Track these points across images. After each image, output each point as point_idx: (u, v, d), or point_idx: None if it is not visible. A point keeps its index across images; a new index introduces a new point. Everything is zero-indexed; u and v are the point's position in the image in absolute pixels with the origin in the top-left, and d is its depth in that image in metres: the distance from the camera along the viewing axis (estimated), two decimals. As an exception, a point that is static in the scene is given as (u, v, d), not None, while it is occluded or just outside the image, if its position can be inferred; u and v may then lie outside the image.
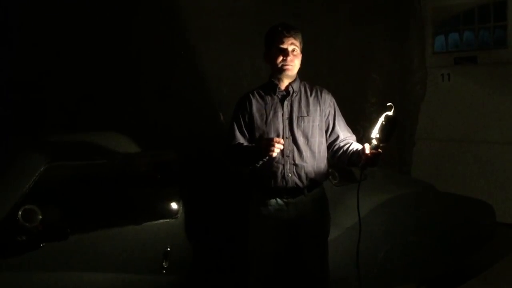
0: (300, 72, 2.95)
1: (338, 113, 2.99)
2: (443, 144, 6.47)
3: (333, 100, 2.99)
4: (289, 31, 2.85)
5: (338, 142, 2.95)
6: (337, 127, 2.96)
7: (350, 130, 3.01)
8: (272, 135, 2.82)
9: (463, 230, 4.10)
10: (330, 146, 2.97)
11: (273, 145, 2.61)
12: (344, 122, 3.01)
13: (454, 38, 6.56)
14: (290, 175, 2.83)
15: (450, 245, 3.98)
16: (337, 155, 2.95)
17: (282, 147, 2.67)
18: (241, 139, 2.88)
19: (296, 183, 2.85)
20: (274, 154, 2.66)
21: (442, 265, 3.97)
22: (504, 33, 6.08)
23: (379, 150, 2.67)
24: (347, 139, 2.95)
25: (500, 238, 4.54)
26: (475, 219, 4.28)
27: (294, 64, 2.87)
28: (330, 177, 3.54)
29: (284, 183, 2.83)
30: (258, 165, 2.78)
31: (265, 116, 2.85)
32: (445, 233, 3.95)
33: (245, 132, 2.89)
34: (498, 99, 6.04)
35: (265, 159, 2.73)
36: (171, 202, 3.02)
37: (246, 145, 2.85)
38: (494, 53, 6.15)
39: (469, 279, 4.24)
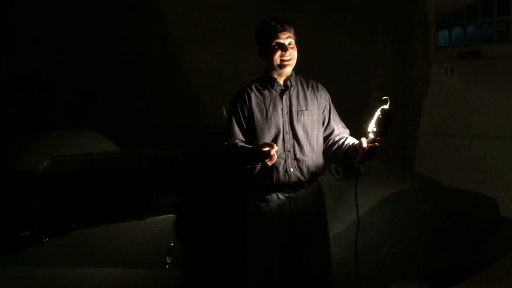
0: (302, 67, 2.94)
1: (332, 107, 2.99)
2: (446, 139, 6.46)
3: (328, 94, 2.99)
4: (282, 25, 2.82)
5: (333, 136, 2.96)
6: (332, 121, 2.97)
7: (344, 124, 3.02)
8: (273, 130, 2.81)
9: (467, 225, 4.09)
10: (325, 140, 2.97)
11: (269, 155, 2.59)
12: (338, 116, 3.02)
13: (457, 33, 6.55)
14: (292, 169, 2.83)
15: (454, 240, 3.97)
16: (332, 149, 2.95)
17: (276, 148, 2.64)
18: (239, 135, 2.84)
19: (298, 178, 2.85)
20: (270, 164, 2.64)
21: (446, 260, 3.96)
22: (508, 27, 6.07)
23: (376, 143, 2.68)
24: (342, 133, 2.97)
25: (504, 233, 4.52)
26: (478, 214, 4.26)
27: (293, 57, 2.85)
28: (333, 172, 3.54)
29: (287, 178, 2.82)
30: (257, 166, 2.79)
31: (264, 111, 2.83)
32: (448, 228, 3.94)
33: (244, 127, 2.85)
34: (501, 93, 6.02)
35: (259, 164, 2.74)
36: (174, 197, 3.01)
37: (243, 147, 2.80)
38: (497, 47, 6.14)
39: (473, 275, 4.24)
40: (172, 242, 2.90)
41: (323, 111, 2.94)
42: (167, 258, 2.88)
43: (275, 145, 2.65)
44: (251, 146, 2.79)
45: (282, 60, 2.82)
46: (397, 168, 4.91)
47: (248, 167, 2.81)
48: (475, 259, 4.38)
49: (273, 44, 2.82)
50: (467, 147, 6.28)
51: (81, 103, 4.20)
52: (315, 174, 2.92)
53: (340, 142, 2.91)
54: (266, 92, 2.87)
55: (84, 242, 2.69)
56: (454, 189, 4.42)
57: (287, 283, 2.87)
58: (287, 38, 2.82)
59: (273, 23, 2.83)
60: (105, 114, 4.17)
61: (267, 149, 2.61)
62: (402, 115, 6.43)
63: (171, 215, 2.95)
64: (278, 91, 2.87)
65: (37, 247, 2.54)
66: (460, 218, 4.06)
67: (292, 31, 2.86)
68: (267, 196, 2.84)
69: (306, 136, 2.86)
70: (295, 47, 2.87)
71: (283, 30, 2.81)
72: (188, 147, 3.20)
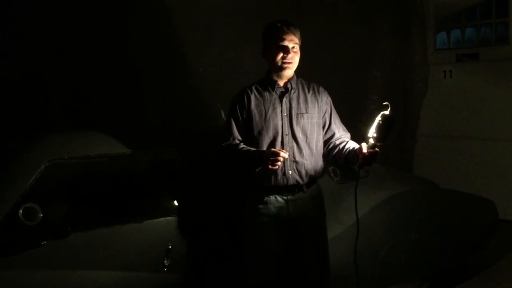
0: (301, 69, 2.94)
1: (333, 110, 2.99)
2: (445, 141, 6.46)
3: (329, 97, 2.99)
4: (289, 28, 2.83)
5: (333, 139, 2.96)
6: (333, 125, 2.97)
7: (345, 128, 3.02)
8: (271, 132, 2.81)
9: (465, 228, 4.09)
10: (325, 143, 2.97)
11: (278, 157, 2.61)
12: (339, 119, 3.01)
13: (456, 35, 6.55)
14: (290, 172, 2.82)
15: (452, 243, 3.97)
16: (332, 153, 2.95)
17: (286, 156, 2.67)
18: (238, 136, 2.85)
19: (296, 180, 2.84)
20: (276, 167, 2.66)
21: (444, 263, 3.96)
22: (506, 30, 6.07)
23: (376, 149, 2.67)
24: (342, 137, 2.97)
25: (502, 235, 4.53)
26: (477, 216, 4.27)
27: (294, 62, 2.86)
28: (332, 174, 3.54)
29: (285, 180, 2.82)
30: (256, 170, 2.79)
31: (264, 113, 2.84)
32: (447, 231, 3.94)
33: (243, 128, 2.86)
34: (500, 95, 6.03)
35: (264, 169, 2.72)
36: (173, 199, 3.01)
37: (246, 150, 2.80)
38: (496, 50, 6.14)
39: (471, 277, 4.24)
40: (170, 245, 2.89)
41: (324, 114, 2.94)
42: (165, 261, 2.87)
43: (286, 151, 2.68)
44: (256, 150, 2.79)
45: (283, 63, 2.83)
46: (396, 171, 4.91)
47: (249, 170, 2.81)
48: (474, 261, 4.38)
49: (277, 45, 2.82)
50: (466, 149, 6.28)
51: (79, 105, 4.19)
52: (314, 177, 2.91)
53: (341, 146, 2.91)
54: (266, 94, 2.87)
55: (82, 245, 2.69)
56: (452, 192, 4.42)
57: (286, 286, 2.86)
58: (290, 41, 2.82)
59: (279, 24, 2.84)
60: (103, 116, 4.16)
61: (276, 151, 2.63)
62: (401, 117, 6.43)
63: (169, 218, 2.95)
64: (278, 93, 2.88)
65: (34, 250, 2.54)
66: (459, 221, 4.06)
67: (298, 35, 2.86)
68: (266, 198, 2.84)
69: (305, 139, 2.86)
70: (298, 52, 2.87)
71: (289, 33, 2.82)
72: (186, 150, 3.19)
